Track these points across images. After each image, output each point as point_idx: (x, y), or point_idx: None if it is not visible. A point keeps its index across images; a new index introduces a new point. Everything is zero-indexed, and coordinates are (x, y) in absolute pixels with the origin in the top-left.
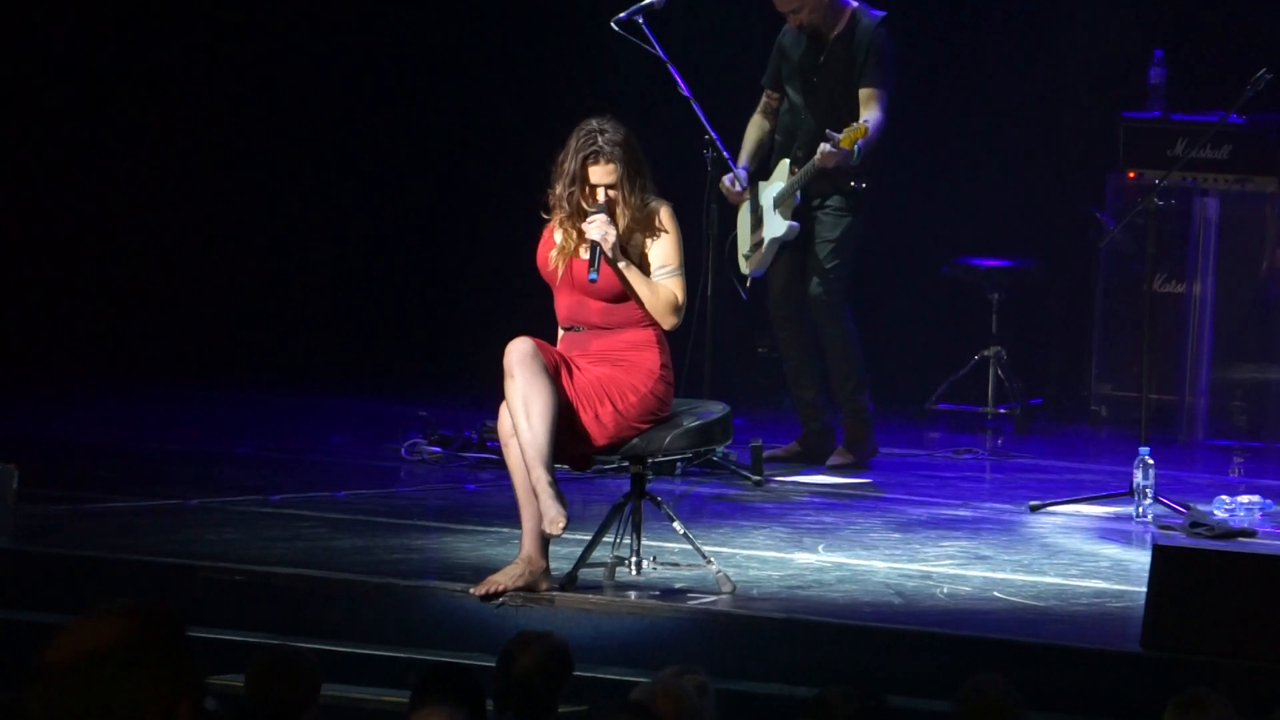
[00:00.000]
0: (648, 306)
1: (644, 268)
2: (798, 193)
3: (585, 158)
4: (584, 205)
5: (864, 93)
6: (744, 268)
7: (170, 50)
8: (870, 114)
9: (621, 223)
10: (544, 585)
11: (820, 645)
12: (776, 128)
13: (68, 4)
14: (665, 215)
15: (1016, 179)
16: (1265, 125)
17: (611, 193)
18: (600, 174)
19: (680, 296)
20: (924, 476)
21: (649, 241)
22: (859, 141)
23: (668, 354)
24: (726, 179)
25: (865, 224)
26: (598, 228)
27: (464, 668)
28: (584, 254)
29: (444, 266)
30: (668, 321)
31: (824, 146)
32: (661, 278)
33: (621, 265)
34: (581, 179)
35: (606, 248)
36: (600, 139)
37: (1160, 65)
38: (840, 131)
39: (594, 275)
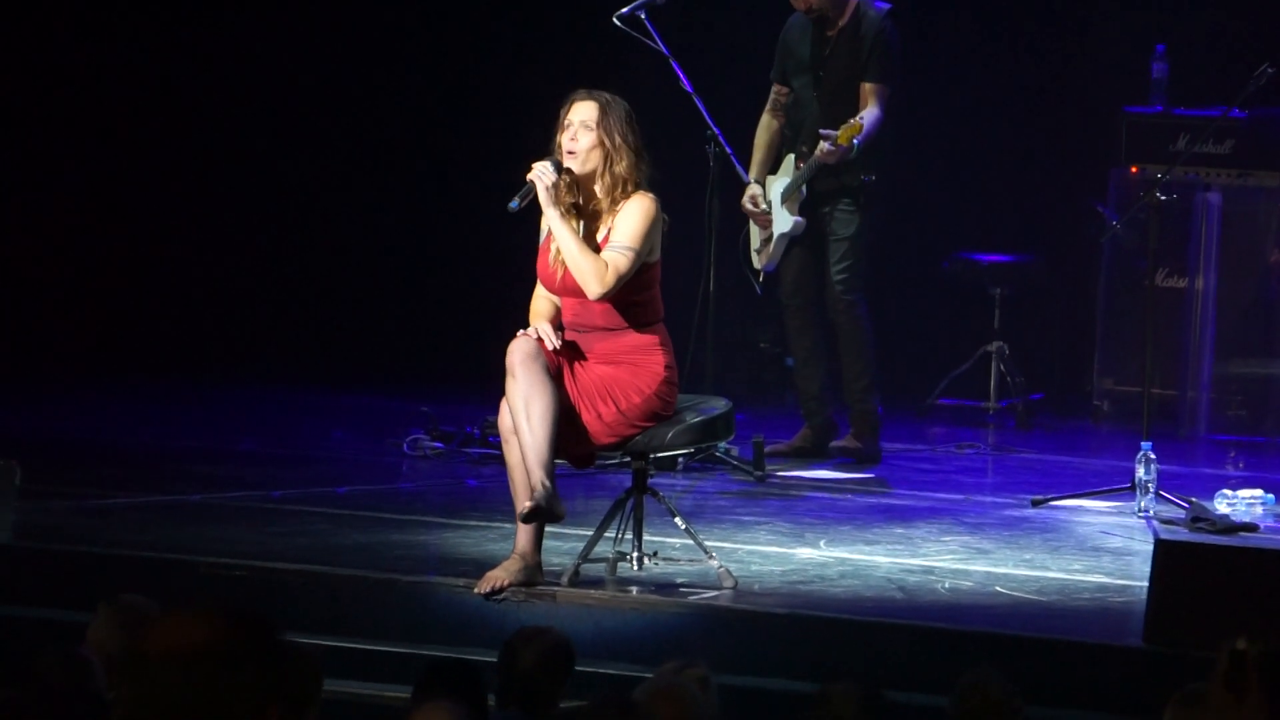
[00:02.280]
0: (570, 264)
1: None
2: (803, 187)
3: (573, 99)
4: (559, 153)
5: (865, 87)
6: (756, 262)
7: (170, 49)
8: (869, 110)
9: (595, 165)
10: (538, 580)
11: (822, 640)
12: (787, 117)
13: (69, 3)
14: (643, 201)
15: (1018, 174)
16: (1268, 120)
17: (587, 134)
18: (581, 110)
19: (612, 271)
20: (926, 471)
21: (617, 218)
22: (855, 138)
23: (672, 354)
24: (747, 201)
25: (876, 217)
26: (541, 167)
27: (466, 663)
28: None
29: (446, 261)
30: (590, 288)
31: (822, 145)
32: (607, 249)
33: (555, 212)
34: (564, 121)
35: (540, 188)
36: (594, 89)
37: (1162, 60)
38: (837, 128)
39: (514, 204)
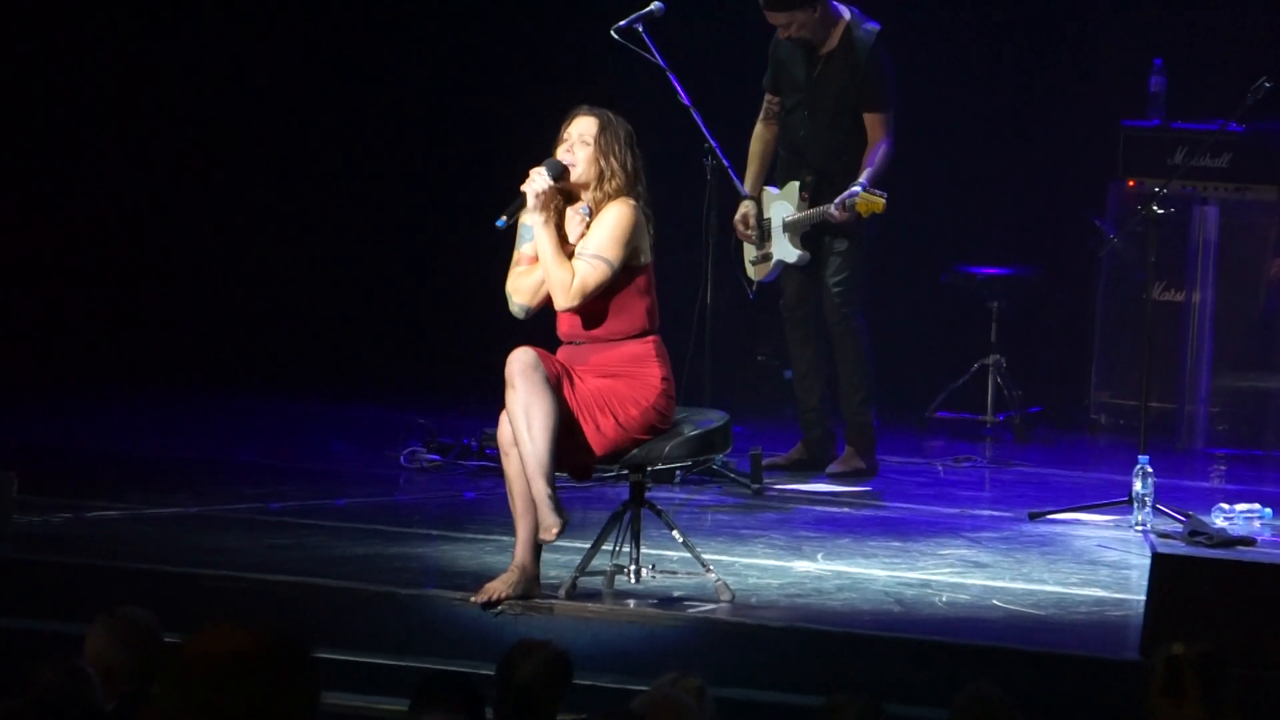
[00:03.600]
0: (544, 271)
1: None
2: (809, 224)
3: (575, 113)
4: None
5: (870, 117)
6: (751, 273)
7: (169, 52)
8: (880, 144)
9: (588, 180)
10: (537, 593)
11: (820, 653)
12: (779, 133)
13: (69, 4)
14: (619, 208)
15: (1017, 187)
16: (1265, 134)
17: (584, 149)
18: (581, 124)
19: (578, 283)
20: (923, 485)
21: (591, 225)
22: (875, 213)
23: (668, 366)
24: (739, 222)
25: (874, 231)
26: (534, 177)
27: (464, 676)
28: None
29: (444, 273)
30: (556, 299)
31: (834, 211)
32: (577, 259)
33: (539, 218)
34: (563, 134)
35: (530, 195)
36: (597, 106)
37: (1160, 74)
38: (831, 150)
39: (501, 222)
